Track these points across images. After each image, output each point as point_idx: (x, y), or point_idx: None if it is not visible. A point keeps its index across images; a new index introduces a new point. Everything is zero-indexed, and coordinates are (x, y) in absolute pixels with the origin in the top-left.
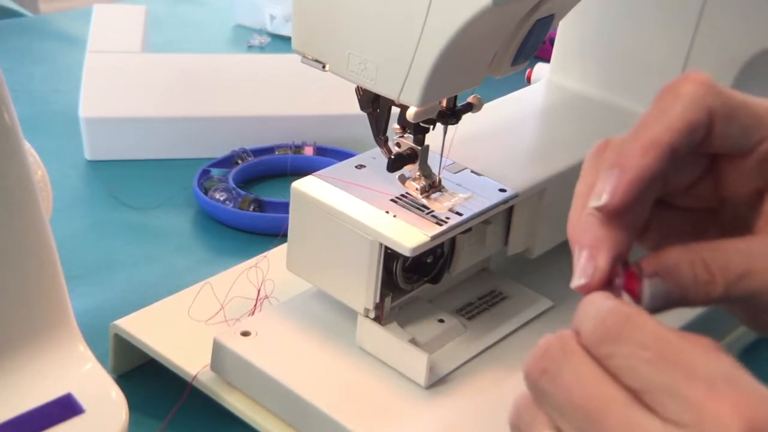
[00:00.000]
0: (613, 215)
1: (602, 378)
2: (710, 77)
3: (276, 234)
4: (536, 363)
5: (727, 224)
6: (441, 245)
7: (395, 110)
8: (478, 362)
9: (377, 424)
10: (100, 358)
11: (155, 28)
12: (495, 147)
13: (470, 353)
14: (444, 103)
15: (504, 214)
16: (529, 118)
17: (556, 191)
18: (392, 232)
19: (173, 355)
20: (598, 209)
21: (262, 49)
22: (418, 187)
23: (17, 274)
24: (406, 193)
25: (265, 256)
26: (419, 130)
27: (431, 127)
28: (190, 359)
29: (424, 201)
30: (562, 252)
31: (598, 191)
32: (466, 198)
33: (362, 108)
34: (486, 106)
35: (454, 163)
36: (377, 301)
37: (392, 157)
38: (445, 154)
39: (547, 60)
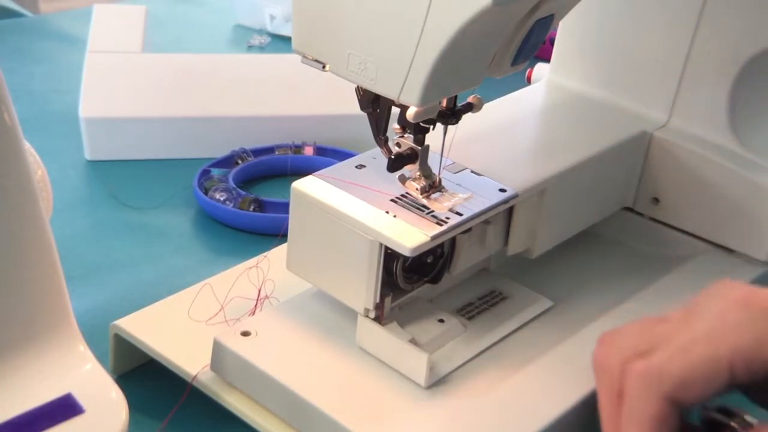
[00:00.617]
0: None
1: None
2: (644, 366)
3: (276, 234)
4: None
5: None
6: (441, 245)
7: (395, 110)
8: (478, 362)
9: (377, 424)
10: (100, 358)
11: (155, 28)
12: (495, 147)
13: (470, 353)
14: (444, 103)
15: (504, 214)
16: (529, 118)
17: (556, 191)
18: (392, 232)
19: (173, 355)
20: None
21: (262, 49)
22: (418, 187)
23: (17, 274)
24: (406, 193)
25: (265, 256)
26: (419, 130)
27: (431, 127)
28: (190, 359)
29: (424, 201)
30: (562, 252)
31: None
32: (466, 198)
33: (362, 108)
34: (486, 106)
35: (454, 163)
36: (377, 301)
37: (392, 157)
38: (445, 154)
39: (547, 60)
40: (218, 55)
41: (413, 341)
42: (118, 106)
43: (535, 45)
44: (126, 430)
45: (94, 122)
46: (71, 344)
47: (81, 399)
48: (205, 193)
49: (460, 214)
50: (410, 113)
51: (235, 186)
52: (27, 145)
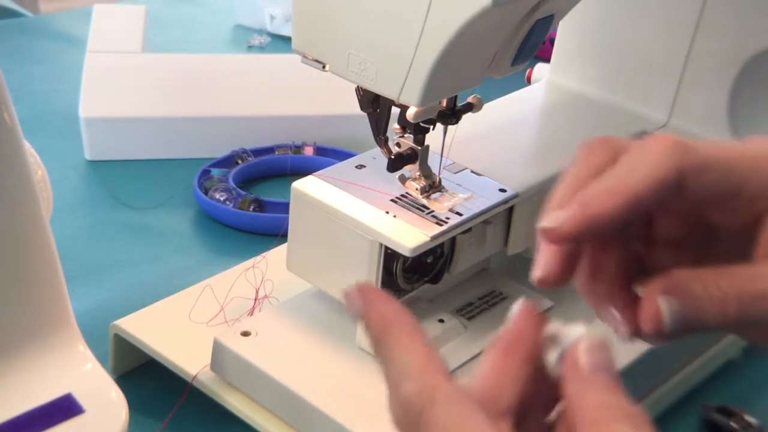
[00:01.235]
0: (557, 242)
1: None
2: (678, 137)
3: (276, 234)
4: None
5: (722, 256)
6: (441, 245)
7: (395, 110)
8: (478, 362)
9: (377, 424)
10: (100, 358)
11: (155, 28)
12: (495, 147)
13: (470, 353)
14: (444, 103)
15: (504, 214)
16: (529, 118)
17: None
18: (392, 232)
19: (173, 355)
20: (546, 230)
21: (262, 49)
22: (418, 187)
23: (17, 274)
24: (406, 193)
25: (264, 256)
26: (419, 130)
27: (431, 127)
28: (190, 359)
29: (424, 201)
30: None
31: (556, 216)
32: (466, 198)
33: (362, 108)
34: (486, 106)
35: (454, 163)
36: None
37: (392, 157)
38: (445, 154)
39: (547, 60)
40: (218, 55)
41: None
42: (118, 106)
43: (535, 45)
44: (126, 430)
45: (94, 122)
46: (71, 344)
47: (81, 399)
48: (205, 193)
49: (460, 214)
50: (410, 113)
51: (235, 186)
52: (27, 145)
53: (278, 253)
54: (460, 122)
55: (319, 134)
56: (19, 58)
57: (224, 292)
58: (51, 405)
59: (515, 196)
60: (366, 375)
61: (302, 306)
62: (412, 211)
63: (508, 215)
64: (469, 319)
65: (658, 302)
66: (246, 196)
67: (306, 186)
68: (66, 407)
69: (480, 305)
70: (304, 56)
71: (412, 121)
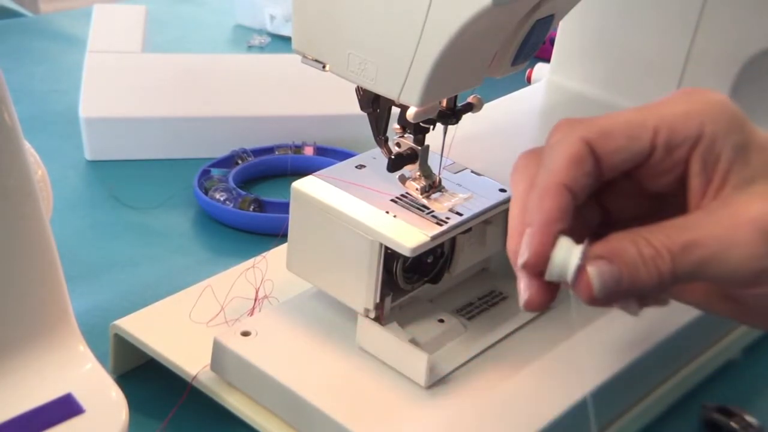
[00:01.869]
0: (533, 271)
1: None
2: (571, 119)
3: (276, 234)
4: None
5: (669, 217)
6: (441, 245)
7: (395, 110)
8: (478, 362)
9: (377, 424)
10: (100, 358)
11: (155, 28)
12: (495, 147)
13: (470, 353)
14: (444, 103)
15: (504, 214)
16: (529, 118)
17: None
18: (392, 232)
19: (173, 355)
20: (523, 267)
21: (262, 49)
22: (418, 187)
23: (17, 274)
24: (406, 193)
25: (264, 257)
26: (419, 130)
27: (431, 127)
28: (190, 359)
29: (424, 201)
30: None
31: (520, 254)
32: (466, 198)
33: (362, 108)
34: (486, 106)
35: (454, 163)
36: (377, 301)
37: (392, 157)
38: (445, 154)
39: (547, 60)
40: (218, 55)
41: (413, 341)
42: (118, 106)
43: (535, 45)
44: (126, 430)
45: (94, 122)
46: (71, 344)
47: (81, 399)
48: (205, 193)
49: (460, 214)
50: (410, 113)
51: (235, 186)
52: (27, 145)
53: (278, 253)
54: (460, 122)
55: (319, 134)
56: (19, 58)
57: (224, 292)
58: (51, 405)
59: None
60: (366, 375)
61: (302, 306)
62: (412, 211)
63: (507, 215)
64: (469, 319)
65: (587, 270)
66: (246, 196)
67: (306, 186)
68: (66, 407)
69: (480, 305)
70: (304, 56)
71: (412, 121)
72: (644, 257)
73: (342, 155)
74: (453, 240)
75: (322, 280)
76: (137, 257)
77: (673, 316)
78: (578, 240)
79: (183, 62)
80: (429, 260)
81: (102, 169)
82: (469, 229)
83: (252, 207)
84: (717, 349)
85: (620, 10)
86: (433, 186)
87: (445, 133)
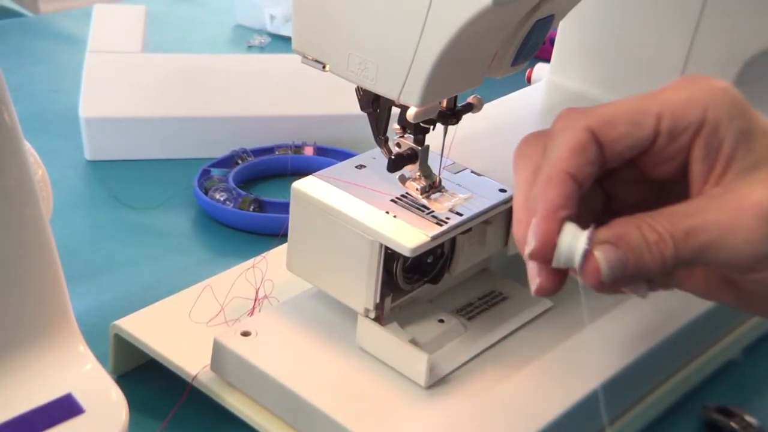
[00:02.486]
0: (541, 260)
1: None
2: (574, 108)
3: (276, 234)
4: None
5: (668, 201)
6: (441, 245)
7: (395, 110)
8: (478, 362)
9: (377, 424)
10: (100, 358)
11: (155, 28)
12: (495, 147)
13: (470, 353)
14: (444, 104)
15: (504, 214)
16: (529, 118)
17: None
18: (392, 233)
19: (173, 356)
20: (530, 257)
21: (262, 49)
22: (419, 187)
23: (17, 274)
24: (407, 193)
25: (264, 257)
26: (419, 131)
27: (431, 127)
28: (190, 359)
29: (425, 201)
30: None
31: (528, 240)
32: (466, 198)
33: (362, 108)
34: (486, 106)
35: (454, 163)
36: (377, 301)
37: (392, 157)
38: (445, 154)
39: (547, 60)
40: (218, 55)
41: (413, 341)
42: (118, 106)
43: (535, 45)
44: (126, 430)
45: (94, 122)
46: (71, 344)
47: (81, 399)
48: (205, 193)
49: (460, 214)
50: (410, 113)
51: (235, 186)
52: (27, 145)
53: (278, 253)
54: (460, 122)
55: (319, 134)
56: (19, 58)
57: (224, 292)
58: (51, 405)
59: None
60: (366, 375)
61: (302, 306)
62: (412, 211)
63: (508, 215)
64: (469, 319)
65: (595, 255)
66: (246, 196)
67: (306, 186)
68: (66, 407)
69: (480, 305)
70: (304, 56)
71: (412, 121)
72: (648, 242)
73: (342, 155)
74: (453, 240)
75: (322, 280)
76: (137, 257)
77: (673, 316)
78: (583, 226)
79: (183, 62)
80: (429, 260)
81: (102, 169)
82: (469, 229)
83: (252, 207)
84: (717, 349)
85: (620, 10)
86: (433, 186)
87: (445, 133)
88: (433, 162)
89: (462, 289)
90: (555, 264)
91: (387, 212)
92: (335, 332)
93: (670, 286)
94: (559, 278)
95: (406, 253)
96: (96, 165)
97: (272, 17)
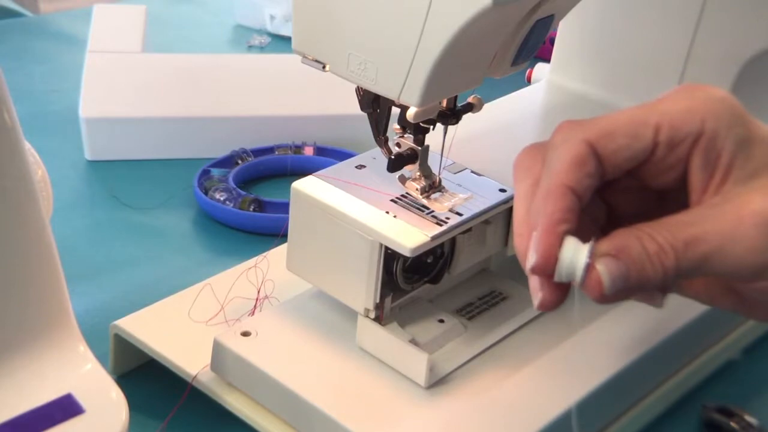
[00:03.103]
0: (542, 274)
1: None
2: (573, 121)
3: (276, 234)
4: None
5: (671, 213)
6: (441, 245)
7: (395, 110)
8: (478, 362)
9: (377, 424)
10: (100, 358)
11: (155, 28)
12: (495, 147)
13: (470, 353)
14: (444, 104)
15: (504, 214)
16: (529, 118)
17: None
18: (392, 233)
19: (173, 356)
20: (531, 271)
21: (262, 49)
22: (419, 187)
23: (17, 274)
24: (406, 193)
25: (265, 256)
26: (419, 131)
27: (431, 127)
28: (190, 359)
29: (424, 201)
30: None
31: (527, 258)
32: (466, 198)
33: (362, 108)
34: (486, 106)
35: (454, 163)
36: (377, 301)
37: (392, 157)
38: (445, 154)
39: (547, 60)
40: (218, 55)
41: (413, 341)
42: (118, 106)
43: (535, 45)
44: (126, 430)
45: (94, 122)
46: (71, 344)
47: (81, 399)
48: (205, 193)
49: (460, 214)
50: (410, 113)
51: (235, 186)
52: (27, 145)
53: (279, 253)
54: (460, 122)
55: (319, 134)
56: (19, 58)
57: (224, 292)
58: (51, 405)
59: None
60: (366, 375)
61: (302, 306)
62: (412, 211)
63: (508, 215)
64: (469, 319)
65: (596, 268)
66: (246, 196)
67: (306, 186)
68: (66, 407)
69: (480, 305)
70: (304, 56)
71: (412, 122)
72: (649, 253)
73: (342, 155)
74: (453, 240)
75: (322, 280)
76: (137, 257)
77: (673, 316)
78: (584, 239)
79: (183, 62)
80: (429, 260)
81: (102, 169)
82: (469, 229)
83: (252, 207)
84: (717, 349)
85: (620, 10)
86: (433, 186)
87: (445, 133)
88: (433, 162)
89: (462, 289)
90: (557, 278)
91: (387, 212)
92: (335, 332)
93: (669, 291)
94: (562, 292)
95: (406, 253)
96: (96, 165)
97: (272, 17)
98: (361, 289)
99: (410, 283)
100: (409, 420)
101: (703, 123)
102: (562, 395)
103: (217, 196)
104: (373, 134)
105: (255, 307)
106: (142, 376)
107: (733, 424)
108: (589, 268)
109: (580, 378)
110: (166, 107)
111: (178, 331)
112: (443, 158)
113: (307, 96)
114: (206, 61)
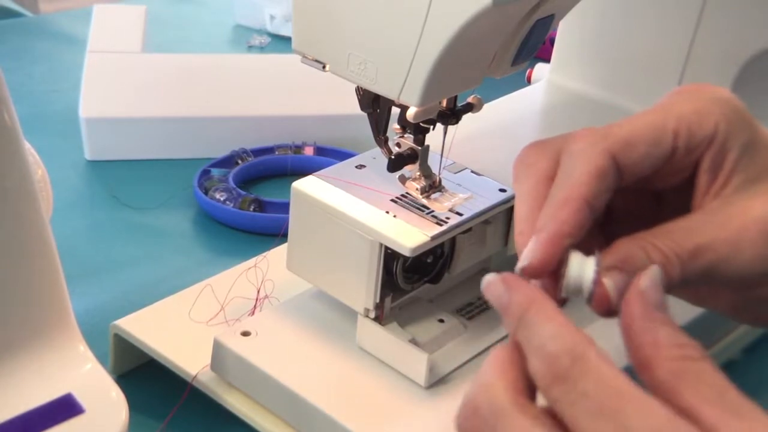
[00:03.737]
0: (537, 276)
1: None
2: (593, 128)
3: (276, 234)
4: (466, 423)
5: (669, 213)
6: (441, 245)
7: (395, 110)
8: (478, 362)
9: (377, 424)
10: (100, 358)
11: (155, 28)
12: (495, 147)
13: (470, 353)
14: (444, 104)
15: (504, 214)
16: (529, 118)
17: None
18: (392, 232)
19: (173, 355)
20: (524, 270)
21: (262, 49)
22: (419, 187)
23: (17, 274)
24: (407, 193)
25: (264, 256)
26: (419, 130)
27: (431, 127)
28: (190, 359)
29: (425, 201)
30: None
31: (525, 254)
32: (466, 198)
33: (362, 108)
34: (486, 106)
35: (454, 163)
36: (377, 301)
37: (392, 157)
38: (445, 154)
39: (547, 60)
40: (218, 55)
41: (413, 341)
42: (118, 106)
43: (535, 45)
44: (126, 430)
45: (94, 122)
46: (71, 344)
47: (81, 399)
48: (205, 193)
49: (460, 214)
50: (410, 113)
51: (235, 186)
52: (27, 145)
53: (279, 253)
54: (460, 122)
55: (319, 134)
56: (19, 58)
57: (224, 292)
58: (51, 405)
59: (515, 196)
60: (366, 375)
61: (302, 306)
62: (412, 211)
63: (508, 215)
64: (469, 319)
65: (603, 283)
66: (246, 196)
67: (306, 186)
68: (66, 407)
69: (480, 305)
70: (304, 56)
71: (412, 121)
72: (653, 262)
73: (342, 155)
74: (453, 240)
75: (322, 280)
76: (137, 257)
77: (672, 316)
78: (583, 247)
79: (183, 62)
80: (429, 260)
81: (102, 169)
82: (469, 229)
83: (252, 207)
84: (717, 349)
85: (620, 10)
86: (433, 186)
87: (445, 133)
88: (433, 162)
89: (462, 289)
90: (564, 294)
91: (387, 212)
92: (335, 332)
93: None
94: (560, 303)
95: (406, 253)
96: (96, 165)
97: (272, 17)
98: (361, 288)
99: (410, 283)
100: (409, 420)
101: (717, 126)
102: None
103: (217, 196)
104: (373, 134)
105: (255, 307)
106: (142, 376)
107: None
108: (597, 283)
109: None
110: (166, 107)
111: (178, 331)
112: (443, 158)
113: (307, 96)
114: (206, 61)
